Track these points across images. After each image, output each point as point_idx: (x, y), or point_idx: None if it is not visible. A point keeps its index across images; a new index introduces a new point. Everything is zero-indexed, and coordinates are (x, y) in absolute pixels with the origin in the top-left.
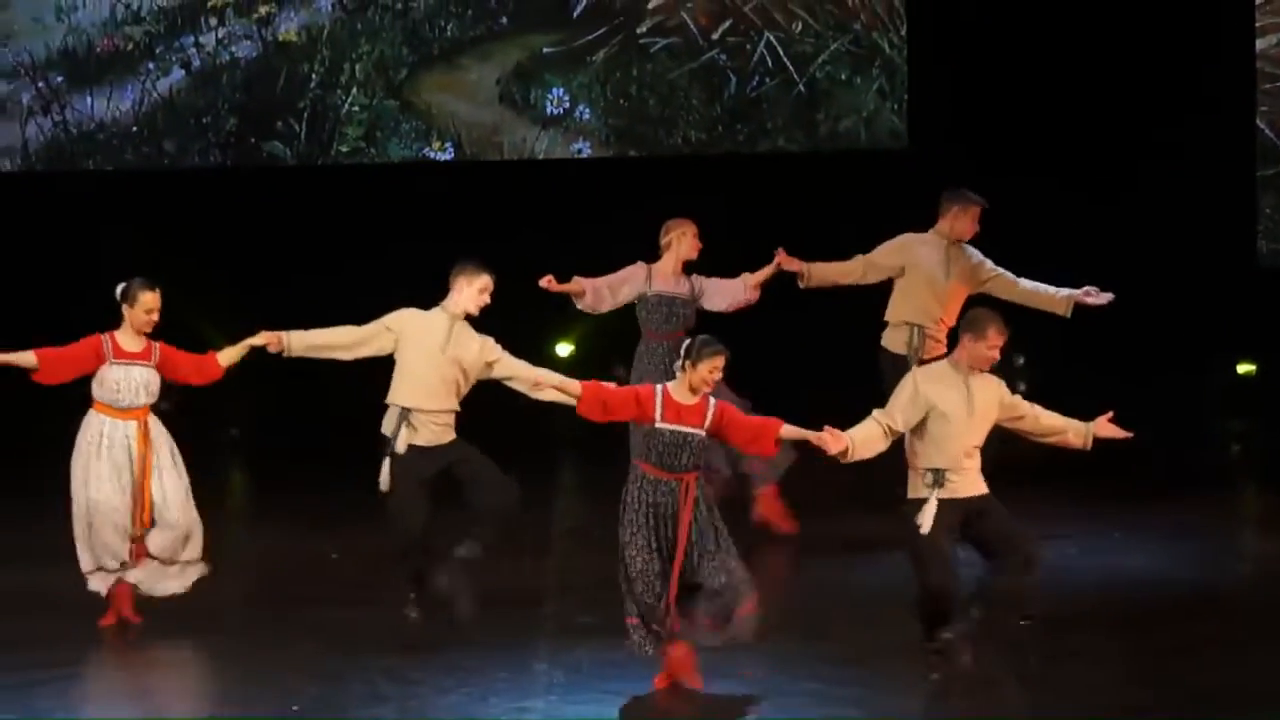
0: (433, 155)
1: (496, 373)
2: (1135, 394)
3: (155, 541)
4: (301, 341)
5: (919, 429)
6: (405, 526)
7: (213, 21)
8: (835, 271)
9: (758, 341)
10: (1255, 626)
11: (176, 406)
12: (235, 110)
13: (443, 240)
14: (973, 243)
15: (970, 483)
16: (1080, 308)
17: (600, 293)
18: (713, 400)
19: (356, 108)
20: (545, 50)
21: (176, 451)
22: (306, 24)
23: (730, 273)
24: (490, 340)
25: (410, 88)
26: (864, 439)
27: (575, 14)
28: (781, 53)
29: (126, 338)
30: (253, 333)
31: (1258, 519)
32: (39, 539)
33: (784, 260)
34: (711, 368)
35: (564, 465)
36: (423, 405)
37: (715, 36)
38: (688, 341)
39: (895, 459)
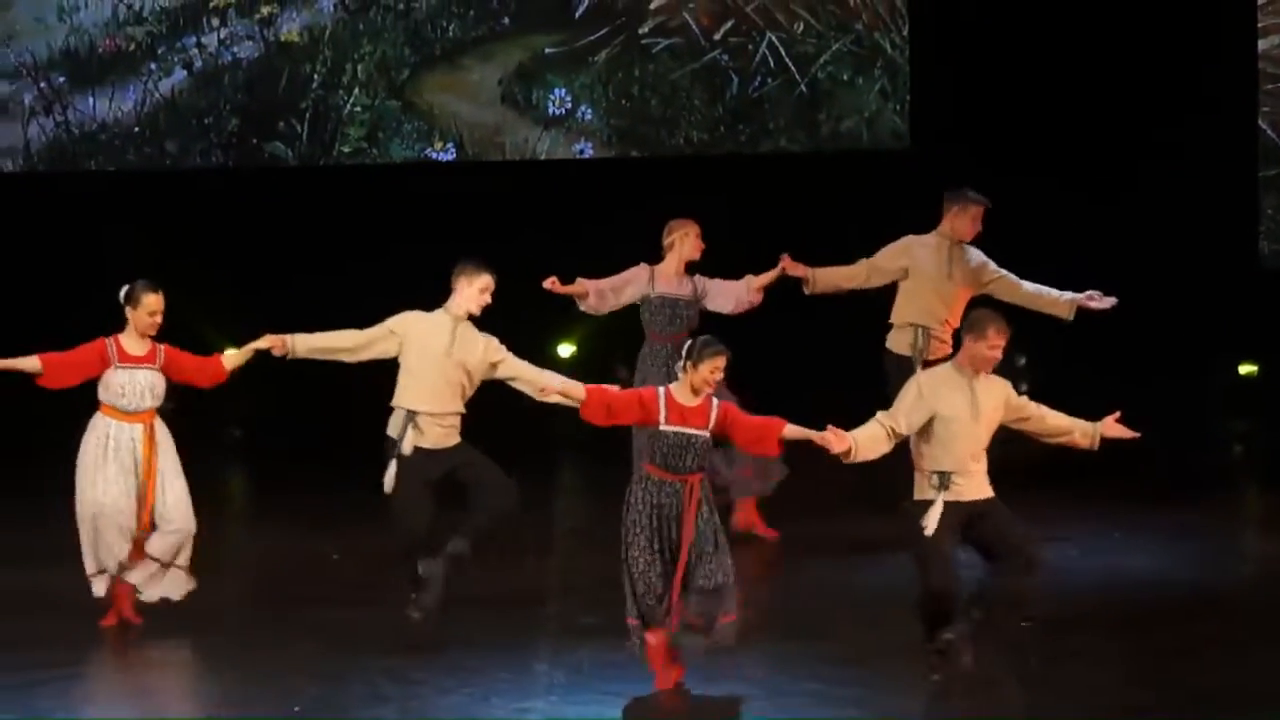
0: (435, 156)
1: (501, 373)
2: (1137, 395)
3: (155, 544)
4: (305, 345)
5: (924, 432)
6: (409, 528)
7: (214, 22)
8: (840, 277)
9: (762, 343)
10: (1256, 627)
11: (178, 407)
12: (237, 111)
13: (445, 241)
14: (975, 243)
15: (976, 486)
16: (1083, 311)
17: (603, 294)
18: (715, 401)
19: (358, 108)
20: (547, 51)
21: (176, 457)
22: (308, 24)
23: (732, 273)
24: (494, 340)
25: (412, 88)
26: (867, 440)
27: (577, 14)
28: (783, 53)
29: (131, 341)
30: (256, 335)
31: (1259, 520)
32: (41, 540)
33: (789, 266)
34: (713, 368)
35: (565, 466)
36: (428, 408)
37: (717, 37)
38: (689, 343)
39: (896, 460)
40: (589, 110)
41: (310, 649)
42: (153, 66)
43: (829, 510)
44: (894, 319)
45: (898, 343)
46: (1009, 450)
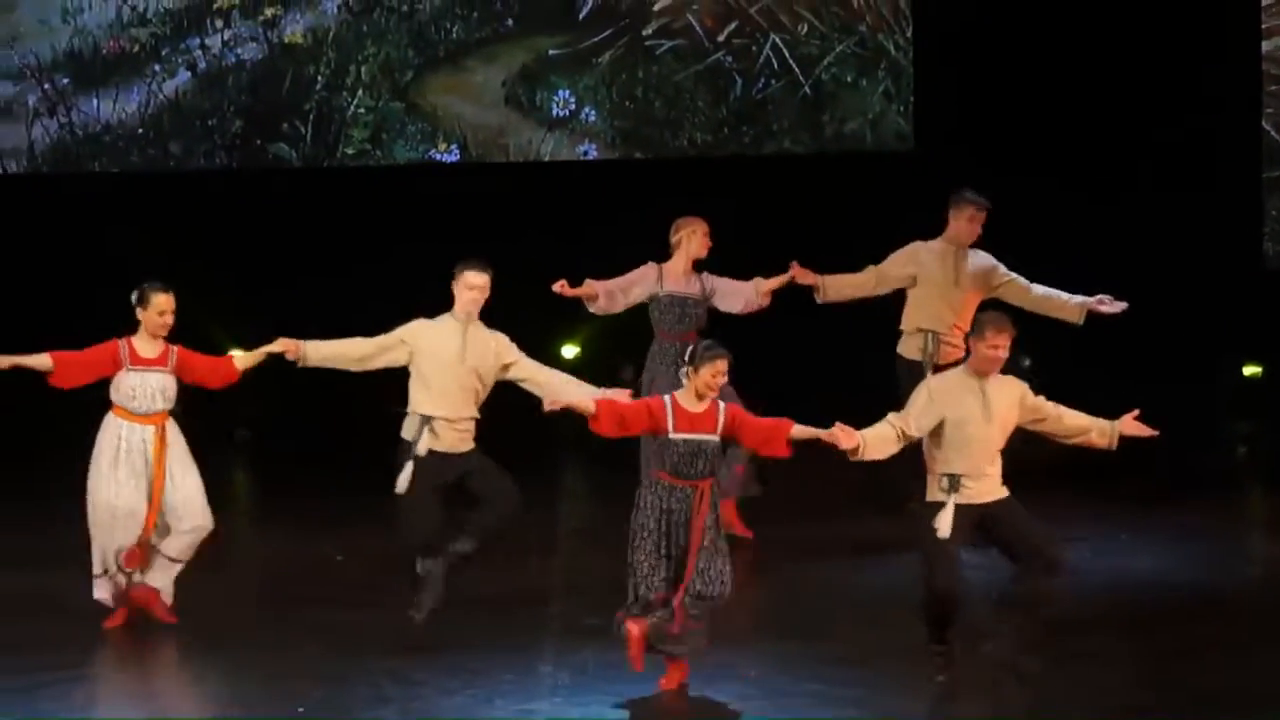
0: (438, 157)
1: (513, 375)
2: (1141, 396)
3: (174, 545)
4: (318, 352)
5: (936, 435)
6: (414, 530)
7: (218, 23)
8: (849, 285)
9: (771, 345)
10: (1260, 628)
11: (184, 408)
12: (241, 112)
13: (449, 242)
14: (980, 244)
15: (988, 488)
16: (1092, 316)
17: (613, 295)
18: (722, 404)
19: (362, 110)
20: (551, 52)
21: (189, 457)
22: (312, 26)
23: (735, 276)
24: (504, 339)
25: (416, 90)
26: (876, 439)
27: (581, 16)
28: (787, 54)
29: (143, 343)
30: (260, 336)
31: (1264, 521)
32: (44, 542)
33: (798, 274)
34: (713, 372)
35: (569, 466)
36: (444, 414)
37: (721, 38)
38: (690, 348)
39: (898, 462)
40: (593, 112)
41: (314, 650)
42: (156, 68)
43: (830, 511)
44: (904, 325)
45: (908, 348)
46: (1027, 451)
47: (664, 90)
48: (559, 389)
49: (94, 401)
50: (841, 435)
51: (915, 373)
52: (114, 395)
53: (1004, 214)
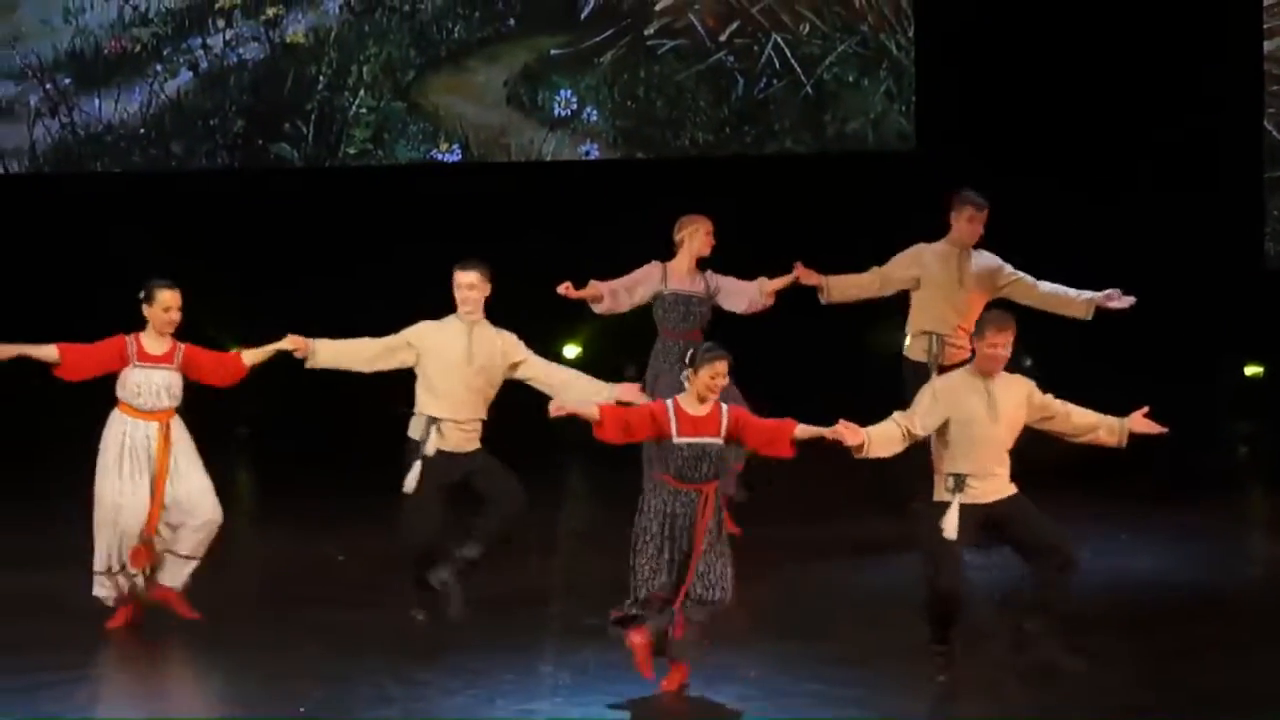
0: (440, 157)
1: (522, 374)
2: (1142, 396)
3: (187, 542)
4: (326, 352)
5: (942, 435)
6: (418, 529)
7: (220, 23)
8: (854, 287)
9: (776, 346)
10: (1261, 629)
11: (184, 406)
12: (243, 112)
13: (450, 242)
14: (982, 244)
15: (995, 488)
16: (1101, 311)
17: (617, 295)
18: (724, 407)
19: (364, 110)
20: (553, 52)
21: (195, 453)
22: (314, 26)
23: (737, 275)
24: (512, 338)
25: (418, 90)
26: (881, 436)
27: (583, 16)
28: (789, 54)
29: (150, 340)
30: (262, 337)
31: (1265, 521)
32: (45, 541)
33: (802, 274)
34: (712, 373)
35: (570, 466)
36: (450, 416)
37: (723, 38)
38: (690, 351)
39: (900, 463)
40: (594, 112)
41: (315, 650)
42: (158, 68)
43: (831, 511)
44: (909, 327)
45: (914, 350)
46: (1029, 450)
47: (666, 90)
48: (569, 387)
49: (95, 401)
50: (846, 432)
51: (921, 374)
52: (119, 392)
53: (1005, 214)
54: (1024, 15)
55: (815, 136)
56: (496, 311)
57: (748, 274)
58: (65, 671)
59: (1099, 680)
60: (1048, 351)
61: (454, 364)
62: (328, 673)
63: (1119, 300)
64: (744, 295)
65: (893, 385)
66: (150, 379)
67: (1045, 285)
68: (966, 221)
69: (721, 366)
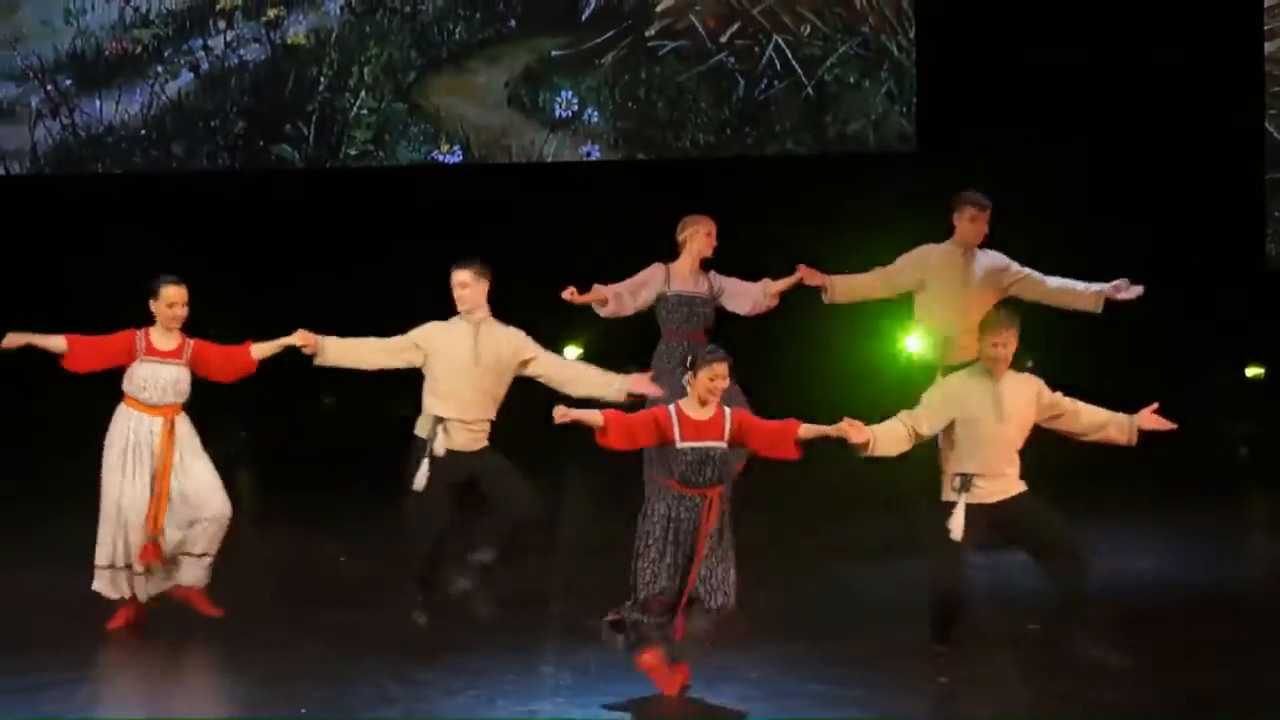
0: (441, 158)
1: (532, 370)
2: (1143, 397)
3: (199, 541)
4: (335, 350)
5: (949, 435)
6: (422, 528)
7: (221, 24)
8: (858, 287)
9: (783, 346)
10: (1262, 629)
11: (185, 407)
12: (244, 113)
13: (451, 243)
14: (988, 244)
15: (1003, 487)
16: (1110, 303)
17: (621, 298)
18: (727, 410)
19: (365, 111)
20: (554, 53)
21: (200, 448)
22: (315, 27)
23: (737, 276)
24: (521, 335)
25: (419, 91)
26: (886, 435)
27: (584, 17)
28: (790, 55)
29: (160, 335)
30: (264, 338)
31: (1266, 522)
32: (45, 541)
33: (806, 275)
34: (712, 375)
35: (572, 467)
36: (458, 416)
37: (724, 39)
38: (691, 355)
39: (902, 464)
40: (595, 113)
41: (316, 650)
42: (159, 69)
43: (833, 512)
44: (915, 327)
45: (920, 350)
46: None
47: (666, 91)
48: (580, 381)
49: (95, 401)
50: (851, 430)
51: (927, 375)
52: (126, 386)
53: (1005, 215)
54: (1024, 17)
55: (816, 138)
56: (497, 312)
57: (748, 275)
58: (65, 671)
59: (1099, 680)
60: (1048, 352)
61: (460, 364)
62: (328, 673)
63: (1127, 290)
64: (748, 297)
65: (898, 386)
66: (158, 374)
67: (1053, 280)
68: (969, 221)
69: (721, 369)
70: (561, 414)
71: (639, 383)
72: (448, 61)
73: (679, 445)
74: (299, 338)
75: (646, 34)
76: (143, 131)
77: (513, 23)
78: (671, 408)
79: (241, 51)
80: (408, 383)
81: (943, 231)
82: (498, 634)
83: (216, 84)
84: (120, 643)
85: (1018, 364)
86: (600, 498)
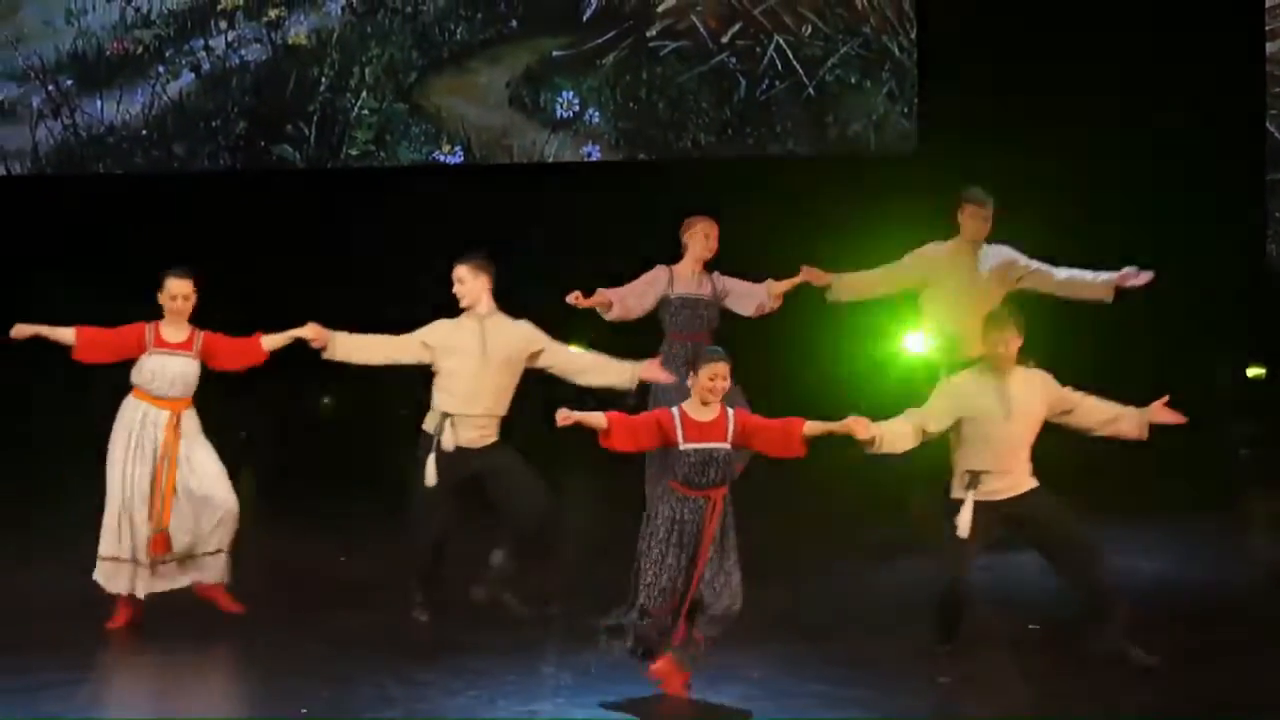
0: (442, 158)
1: (543, 362)
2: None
3: (213, 539)
4: (345, 346)
5: (957, 432)
6: (424, 525)
7: (222, 25)
8: (863, 285)
9: (782, 347)
10: (1262, 629)
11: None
12: (245, 113)
13: (452, 244)
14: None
15: (1012, 484)
16: (1121, 291)
17: (626, 302)
18: (730, 411)
19: (366, 111)
20: (555, 54)
21: (206, 443)
22: (316, 27)
23: (737, 277)
24: (530, 327)
25: (420, 91)
26: (893, 432)
27: (585, 17)
28: (791, 56)
29: (169, 327)
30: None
31: (1266, 523)
32: (46, 541)
33: (810, 275)
34: (711, 374)
35: (573, 467)
36: (465, 411)
37: (725, 40)
38: (694, 357)
39: (904, 465)
40: (596, 113)
41: (317, 650)
42: (160, 69)
43: (835, 512)
44: (923, 325)
45: (926, 348)
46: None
47: (668, 91)
48: (592, 370)
49: (96, 401)
50: (857, 426)
51: (928, 374)
52: (135, 377)
53: (1005, 215)
54: (1025, 17)
55: (817, 138)
56: (501, 313)
57: (748, 276)
58: (65, 671)
59: (1100, 680)
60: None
61: (468, 360)
62: (329, 673)
63: (1136, 277)
64: (752, 298)
65: (898, 386)
66: (166, 366)
67: (1061, 272)
68: (969, 219)
69: (720, 368)
70: (564, 416)
71: (650, 368)
72: (449, 62)
73: (682, 447)
74: (310, 330)
75: (648, 34)
76: (144, 132)
77: (514, 23)
78: (675, 410)
79: (243, 52)
80: (408, 383)
81: (943, 232)
82: (498, 634)
83: (218, 84)
84: (120, 643)
85: (1020, 364)
86: (601, 499)
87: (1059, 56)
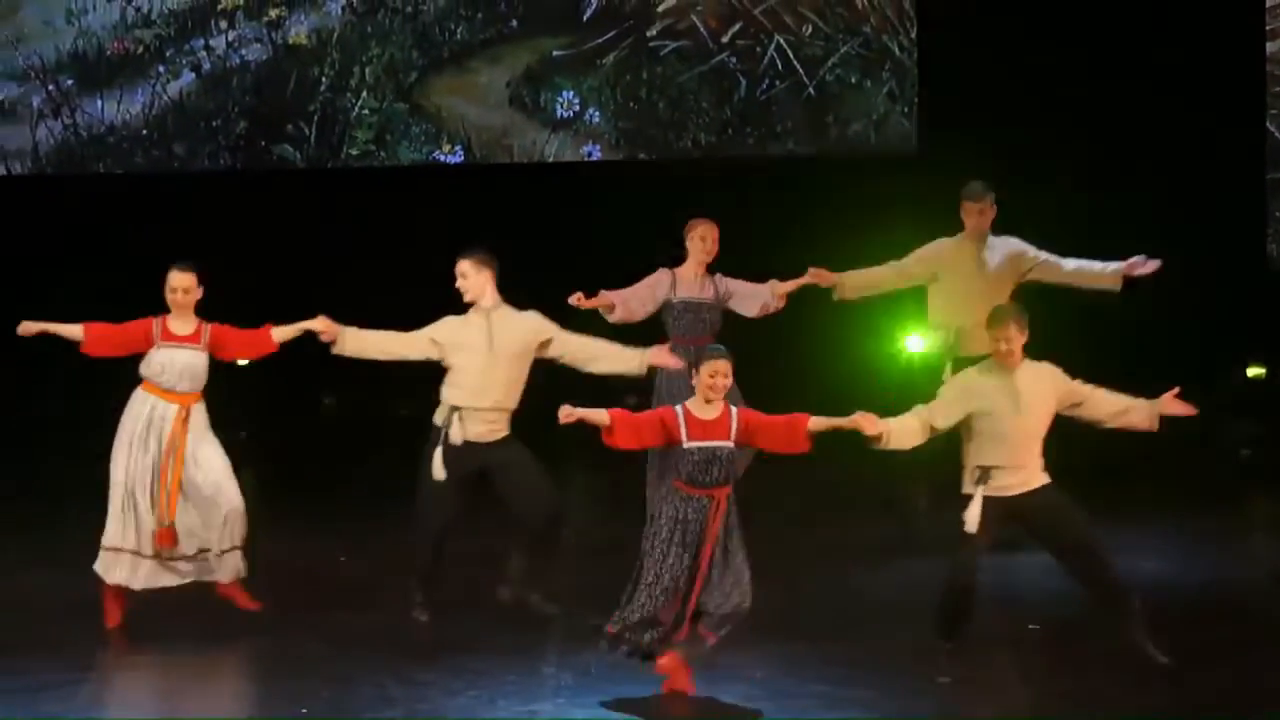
0: (442, 158)
1: (553, 351)
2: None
3: (225, 538)
4: (354, 341)
5: (968, 428)
6: (431, 519)
7: (223, 24)
8: (870, 282)
9: (782, 346)
10: (1262, 630)
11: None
12: (245, 113)
13: (452, 243)
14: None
15: (1023, 480)
16: (1130, 280)
17: (629, 304)
18: (734, 409)
19: (366, 111)
20: (555, 53)
21: (214, 439)
22: (316, 27)
23: (737, 277)
24: (537, 316)
25: (420, 91)
26: (901, 428)
27: (585, 17)
28: (791, 55)
29: (176, 321)
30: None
31: (1267, 523)
32: (47, 541)
33: (816, 276)
34: (711, 372)
35: (574, 467)
36: (473, 404)
37: (725, 40)
38: (696, 360)
39: (905, 465)
40: (597, 113)
41: (317, 650)
42: (161, 69)
43: (836, 512)
44: (929, 320)
45: (932, 343)
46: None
47: (668, 91)
48: (602, 358)
49: (97, 402)
50: (865, 422)
51: (930, 373)
52: (144, 370)
53: (1006, 215)
54: (1026, 17)
55: (817, 138)
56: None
57: (748, 276)
58: (66, 672)
59: (1101, 680)
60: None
61: (476, 355)
62: (330, 673)
63: (1144, 266)
64: (757, 299)
65: (899, 386)
66: (174, 358)
67: (1070, 262)
68: (967, 215)
69: (720, 365)
70: (567, 413)
71: (660, 354)
72: (449, 61)
73: (685, 445)
74: (320, 323)
75: (648, 34)
76: (144, 131)
77: (514, 23)
78: (679, 408)
79: (243, 51)
80: (408, 383)
81: (942, 232)
82: (499, 634)
83: (218, 84)
84: (121, 643)
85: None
86: (603, 498)
87: (1059, 56)
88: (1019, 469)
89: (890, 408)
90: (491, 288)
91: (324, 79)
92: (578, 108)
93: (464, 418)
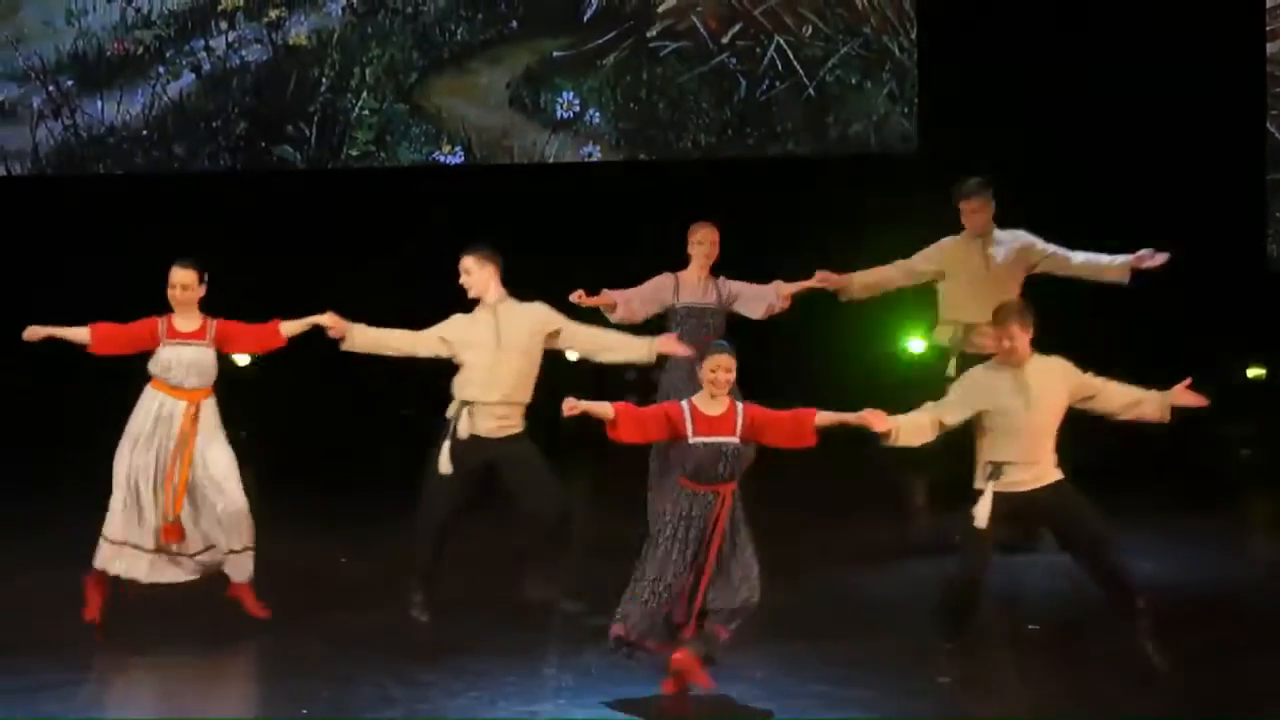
0: (443, 159)
1: (562, 342)
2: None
3: (234, 539)
4: (363, 337)
5: (980, 425)
6: (434, 513)
7: (223, 25)
8: (877, 281)
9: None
10: (1263, 630)
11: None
12: (245, 114)
13: (453, 244)
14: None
15: (1035, 475)
16: (1138, 272)
17: (631, 305)
18: (740, 406)
19: (366, 111)
20: (555, 54)
21: (223, 437)
22: (317, 28)
23: (738, 278)
24: (543, 308)
25: (420, 92)
26: (910, 425)
27: (585, 18)
28: (791, 56)
29: (181, 318)
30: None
31: (1267, 523)
32: (47, 541)
33: (825, 280)
34: (713, 366)
35: (574, 467)
36: (482, 398)
37: (725, 40)
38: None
39: (906, 465)
40: (597, 113)
41: (318, 651)
42: (161, 70)
43: (837, 512)
44: (938, 317)
45: (940, 339)
46: None
47: (668, 92)
48: (610, 347)
49: (97, 402)
50: (873, 419)
51: (932, 373)
52: (152, 368)
53: (1006, 215)
54: (1026, 17)
55: (818, 139)
56: None
57: (749, 277)
58: (66, 672)
59: (1101, 681)
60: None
61: (484, 352)
62: (330, 673)
63: (1152, 258)
64: (761, 300)
65: (899, 386)
66: (180, 355)
67: (1078, 255)
68: (965, 214)
69: (722, 360)
70: (570, 406)
71: (668, 342)
72: (449, 62)
73: (691, 440)
74: (328, 319)
75: (648, 35)
76: (144, 132)
77: (514, 24)
78: (685, 403)
79: (243, 52)
80: (408, 383)
81: (942, 232)
82: (499, 635)
83: (218, 85)
84: (120, 643)
85: None
86: (605, 497)
87: (1059, 56)
88: (1031, 464)
89: (889, 409)
90: (496, 283)
91: (324, 80)
92: (578, 108)
93: (474, 412)
